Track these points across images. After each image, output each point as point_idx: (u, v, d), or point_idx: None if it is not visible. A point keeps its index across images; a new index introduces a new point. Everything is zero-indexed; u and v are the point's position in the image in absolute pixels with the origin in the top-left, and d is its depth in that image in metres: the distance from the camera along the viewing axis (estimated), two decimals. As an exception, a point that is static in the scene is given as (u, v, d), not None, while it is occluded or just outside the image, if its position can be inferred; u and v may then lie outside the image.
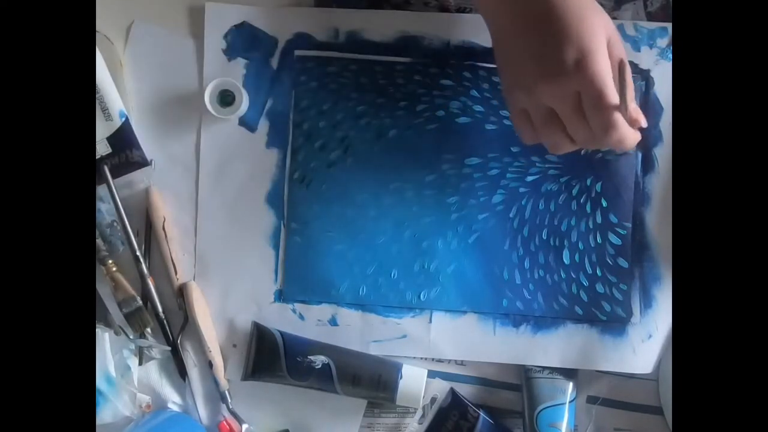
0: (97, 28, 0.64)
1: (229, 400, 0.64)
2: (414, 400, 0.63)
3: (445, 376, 0.65)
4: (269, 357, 0.63)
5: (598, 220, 0.64)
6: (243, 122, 0.65)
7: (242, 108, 0.64)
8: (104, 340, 0.63)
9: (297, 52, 0.65)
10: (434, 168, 0.64)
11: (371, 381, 0.63)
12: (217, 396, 0.65)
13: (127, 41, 0.65)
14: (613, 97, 0.50)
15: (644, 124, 0.52)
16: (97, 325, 0.63)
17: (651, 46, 0.64)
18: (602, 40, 0.51)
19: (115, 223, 0.64)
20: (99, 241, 0.63)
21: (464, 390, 0.65)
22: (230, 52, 0.65)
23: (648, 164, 0.64)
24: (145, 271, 0.64)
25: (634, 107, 0.51)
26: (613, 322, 0.64)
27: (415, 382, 0.63)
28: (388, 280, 0.64)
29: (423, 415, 0.65)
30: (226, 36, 0.65)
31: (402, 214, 0.64)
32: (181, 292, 0.64)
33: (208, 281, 0.65)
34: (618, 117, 0.50)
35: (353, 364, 0.63)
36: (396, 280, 0.64)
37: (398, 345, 0.64)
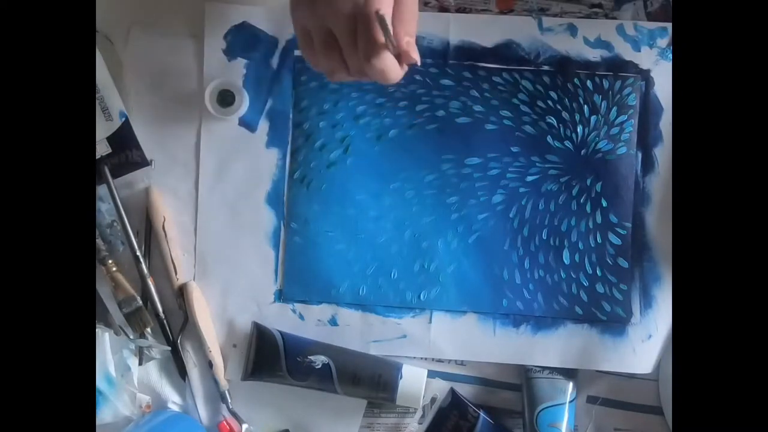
0: (97, 28, 0.64)
1: (229, 400, 0.64)
2: (414, 400, 0.63)
3: (445, 376, 0.65)
4: (269, 357, 0.63)
5: (598, 220, 0.64)
6: (243, 122, 0.65)
7: (242, 108, 0.64)
8: (104, 340, 0.63)
9: (297, 52, 0.65)
10: (434, 168, 0.64)
11: (371, 381, 0.63)
12: (217, 396, 0.65)
13: (127, 41, 0.65)
14: (385, 21, 0.49)
15: (417, 59, 0.52)
16: (97, 325, 0.63)
17: (651, 46, 0.64)
18: None
19: (115, 223, 0.64)
20: (99, 241, 0.63)
21: (464, 390, 0.65)
22: (230, 52, 0.65)
23: (648, 164, 0.64)
24: (145, 271, 0.64)
25: (407, 40, 0.51)
26: (613, 322, 0.64)
27: (415, 382, 0.63)
28: (388, 280, 0.64)
29: (423, 415, 0.65)
30: (226, 36, 0.65)
31: (402, 214, 0.64)
32: (181, 292, 0.64)
33: (208, 281, 0.65)
34: (382, 46, 0.50)
35: (353, 364, 0.63)
36: (396, 280, 0.64)
37: (398, 345, 0.64)
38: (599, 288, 0.64)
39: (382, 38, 0.49)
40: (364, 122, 0.65)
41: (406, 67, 0.52)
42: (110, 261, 0.63)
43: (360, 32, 0.50)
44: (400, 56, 0.51)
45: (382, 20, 0.48)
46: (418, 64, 0.52)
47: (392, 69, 0.51)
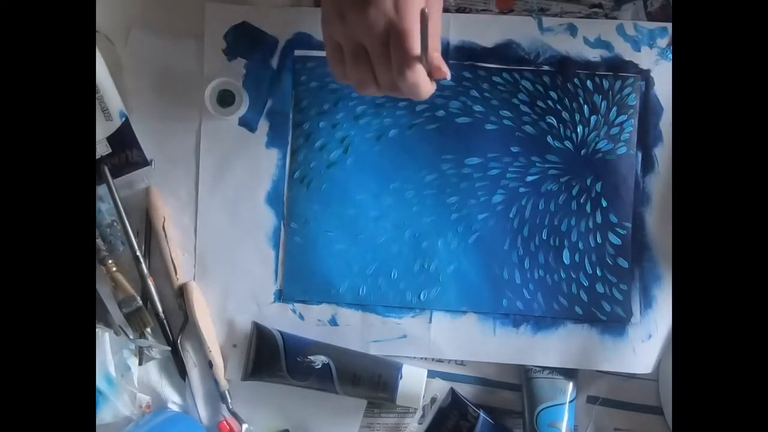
0: (97, 28, 0.64)
1: (229, 400, 0.64)
2: (414, 400, 0.63)
3: (445, 376, 0.65)
4: (269, 357, 0.63)
5: (598, 220, 0.64)
6: (243, 122, 0.65)
7: (242, 108, 0.64)
8: (104, 340, 0.63)
9: (297, 52, 0.65)
10: (434, 168, 0.64)
11: (371, 381, 0.63)
12: (217, 396, 0.65)
13: (127, 41, 0.65)
14: (416, 40, 0.50)
15: (447, 74, 0.53)
16: (97, 325, 0.63)
17: (651, 46, 0.64)
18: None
19: (115, 223, 0.64)
20: (99, 241, 0.64)
21: (464, 390, 0.65)
22: (230, 52, 0.65)
23: (648, 164, 0.64)
24: (145, 271, 0.64)
25: (437, 56, 0.52)
26: (613, 322, 0.64)
27: (415, 382, 0.63)
28: (388, 280, 0.64)
29: (423, 415, 0.65)
30: (226, 36, 0.65)
31: (402, 214, 0.64)
32: (181, 292, 0.64)
33: (208, 281, 0.65)
34: (416, 60, 0.50)
35: (353, 364, 0.63)
36: (396, 280, 0.64)
37: (398, 345, 0.64)
38: (599, 288, 0.64)
39: (416, 52, 0.50)
40: (364, 122, 0.65)
41: (435, 83, 0.53)
42: (110, 261, 0.63)
43: (393, 45, 0.50)
44: (430, 72, 0.52)
45: (425, 20, 0.48)
46: (449, 78, 0.53)
47: (425, 83, 0.52)
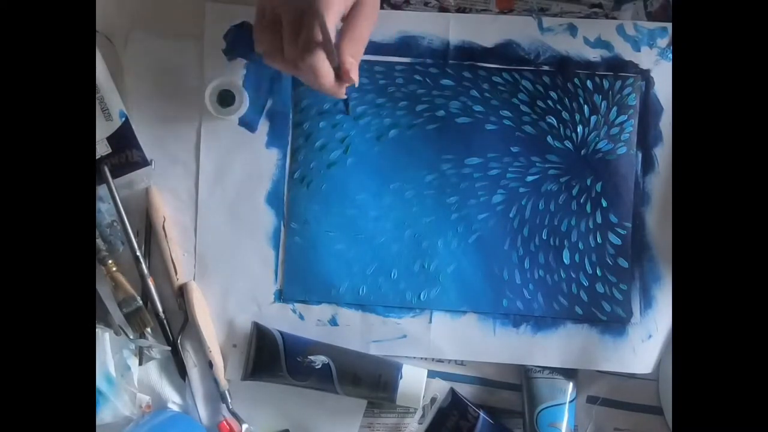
0: (97, 28, 0.64)
1: (229, 400, 0.64)
2: (414, 400, 0.63)
3: (445, 376, 0.65)
4: (269, 357, 0.63)
5: (598, 220, 0.64)
6: (243, 122, 0.65)
7: (242, 108, 0.64)
8: (104, 340, 0.63)
9: (297, 52, 0.65)
10: (434, 168, 0.64)
11: (371, 381, 0.63)
12: (217, 396, 0.65)
13: (127, 41, 0.65)
14: (323, 26, 0.51)
15: (355, 80, 0.54)
16: (97, 325, 0.63)
17: (651, 46, 0.64)
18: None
19: (115, 223, 0.64)
20: (99, 241, 0.63)
21: (464, 390, 0.65)
22: (230, 52, 0.65)
23: (648, 164, 0.64)
24: (145, 271, 0.64)
25: (349, 60, 0.54)
26: (613, 322, 0.64)
27: (415, 382, 0.63)
28: (388, 280, 0.64)
29: (423, 415, 0.65)
30: (226, 36, 0.65)
31: (402, 214, 0.64)
32: (181, 292, 0.64)
33: (208, 281, 0.65)
34: (318, 45, 0.52)
35: (353, 364, 0.63)
36: (396, 280, 0.64)
37: (398, 345, 0.64)
38: (599, 288, 0.64)
39: (318, 37, 0.51)
40: (364, 122, 0.65)
41: (344, 86, 0.55)
42: (110, 261, 0.63)
43: (304, 25, 0.52)
44: (339, 71, 0.54)
45: (323, 24, 0.50)
46: (356, 85, 0.56)
47: (325, 74, 0.53)
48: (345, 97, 0.57)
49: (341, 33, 0.54)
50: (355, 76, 0.54)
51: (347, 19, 0.55)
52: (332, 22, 0.52)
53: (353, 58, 0.54)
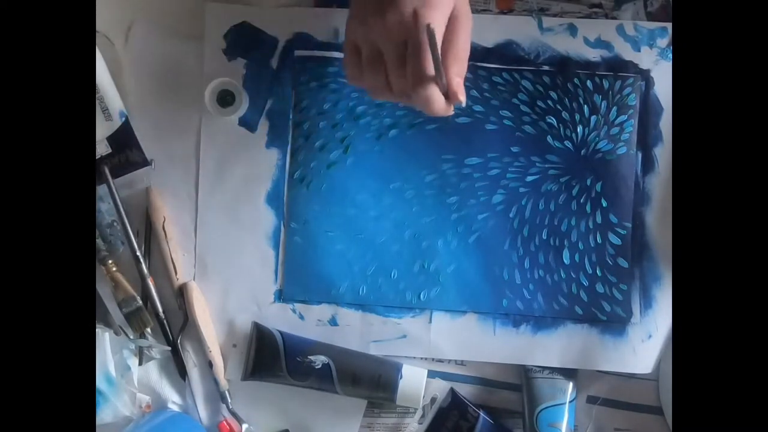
0: (97, 28, 0.64)
1: (229, 400, 0.64)
2: (414, 400, 0.63)
3: (445, 376, 0.65)
4: (269, 357, 0.63)
5: (598, 220, 0.64)
6: (243, 122, 0.65)
7: (242, 108, 0.64)
8: (104, 340, 0.63)
9: (297, 52, 0.65)
10: (434, 168, 0.64)
11: (371, 381, 0.63)
12: (217, 396, 0.65)
13: (127, 41, 0.65)
14: (432, 52, 0.49)
15: (463, 101, 0.52)
16: (97, 325, 0.63)
17: (651, 46, 0.64)
18: (446, 2, 0.51)
19: (115, 223, 0.64)
20: (99, 241, 0.64)
21: (464, 390, 0.65)
22: (230, 52, 0.65)
23: (648, 164, 0.64)
24: (145, 271, 0.64)
25: (456, 81, 0.51)
26: (613, 322, 0.64)
27: (415, 382, 0.63)
28: (388, 280, 0.64)
29: (423, 415, 0.65)
30: (226, 36, 0.65)
31: (402, 214, 0.64)
32: (181, 292, 0.64)
33: (208, 281, 0.65)
34: (429, 76, 0.50)
35: (353, 364, 0.63)
36: (396, 280, 0.64)
37: (398, 345, 0.64)
38: (599, 288, 0.64)
39: (430, 70, 0.49)
40: (364, 122, 0.65)
41: (452, 107, 0.52)
42: (110, 261, 0.63)
43: (409, 56, 0.50)
44: (446, 93, 0.51)
45: (432, 35, 0.48)
46: (463, 105, 0.52)
47: (437, 101, 0.51)
48: (452, 113, 0.53)
49: (443, 52, 0.51)
50: (462, 96, 0.52)
51: (446, 36, 0.52)
52: (439, 49, 0.50)
53: (459, 76, 0.52)
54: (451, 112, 0.53)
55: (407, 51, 0.50)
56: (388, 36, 0.51)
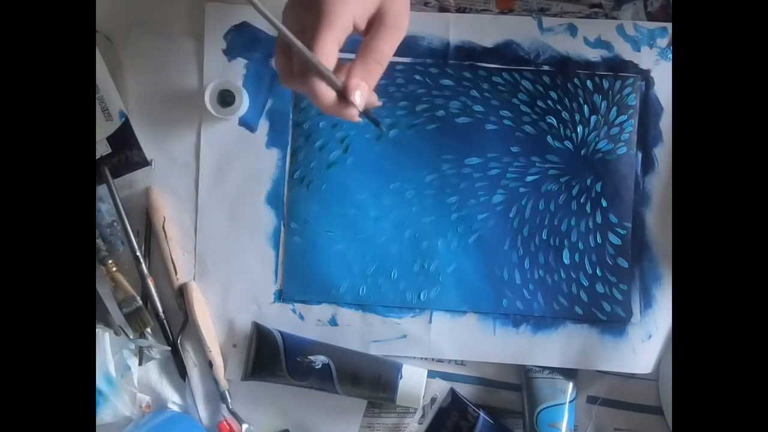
0: (97, 28, 0.64)
1: (229, 400, 0.64)
2: (414, 400, 0.63)
3: (445, 376, 0.65)
4: (269, 357, 0.63)
5: (598, 220, 0.64)
6: (243, 122, 0.65)
7: (242, 108, 0.64)
8: (104, 340, 0.63)
9: (297, 52, 0.65)
10: (434, 168, 0.64)
11: (371, 381, 0.63)
12: (217, 396, 0.65)
13: (127, 41, 0.65)
14: (316, 46, 0.49)
15: (356, 102, 0.50)
16: (97, 325, 0.63)
17: (651, 46, 0.64)
18: (349, 12, 0.50)
19: (115, 223, 0.64)
20: (99, 241, 0.64)
21: (464, 390, 0.65)
22: (230, 52, 0.65)
23: (648, 164, 0.64)
24: (145, 271, 0.64)
25: (355, 82, 0.50)
26: (613, 322, 0.64)
27: (415, 382, 0.63)
28: (388, 280, 0.64)
29: (423, 415, 0.65)
30: (226, 36, 0.65)
31: (402, 214, 0.64)
32: (181, 292, 0.64)
33: (208, 281, 0.65)
34: (310, 68, 0.49)
35: (353, 364, 0.63)
36: (396, 280, 0.64)
37: (398, 345, 0.64)
38: (599, 288, 0.64)
39: (312, 59, 0.49)
40: (364, 122, 0.64)
41: (351, 108, 0.51)
42: (110, 261, 0.63)
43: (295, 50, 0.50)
44: (339, 89, 0.51)
45: (318, 45, 0.49)
46: (360, 109, 0.51)
47: (322, 95, 0.50)
48: (358, 120, 0.52)
49: (358, 51, 0.51)
50: (358, 98, 0.50)
51: (366, 36, 0.51)
52: (331, 41, 0.49)
53: (365, 81, 0.50)
54: (351, 116, 0.51)
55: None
56: (297, 19, 0.51)
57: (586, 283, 0.64)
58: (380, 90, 0.64)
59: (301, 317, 0.65)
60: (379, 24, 0.51)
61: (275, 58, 0.55)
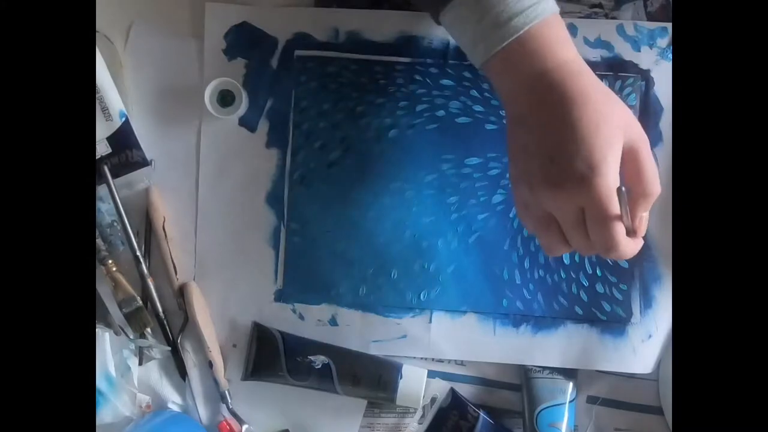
0: (97, 28, 0.64)
1: (229, 400, 0.64)
2: (414, 400, 0.63)
3: (445, 376, 0.65)
4: (269, 357, 0.63)
5: (598, 220, 0.64)
6: (243, 122, 0.65)
7: (242, 108, 0.64)
8: (104, 340, 0.63)
9: (297, 52, 0.65)
10: (434, 168, 0.64)
11: (371, 381, 0.63)
12: (217, 396, 0.65)
13: (127, 41, 0.65)
14: (619, 224, 0.48)
15: (641, 234, 0.50)
16: (97, 325, 0.63)
17: (651, 46, 0.64)
18: (615, 151, 0.48)
19: (115, 223, 0.64)
20: (99, 241, 0.63)
21: (464, 390, 0.65)
22: (230, 52, 0.65)
23: (648, 164, 0.64)
24: (145, 271, 0.64)
25: (642, 217, 0.50)
26: (613, 322, 0.64)
27: (415, 382, 0.63)
28: (388, 280, 0.64)
29: (423, 415, 0.65)
30: (226, 36, 0.65)
31: (402, 214, 0.64)
32: (181, 292, 0.64)
33: (208, 281, 0.65)
34: (620, 234, 0.48)
35: (353, 364, 0.63)
36: (396, 280, 0.64)
37: (398, 345, 0.64)
38: (599, 288, 0.64)
39: (619, 237, 0.48)
40: (364, 122, 0.65)
41: (640, 241, 0.50)
42: (110, 261, 0.63)
43: (592, 224, 0.48)
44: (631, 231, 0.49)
45: (623, 197, 0.47)
46: (643, 239, 0.50)
47: (627, 252, 0.49)
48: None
49: (628, 190, 0.48)
50: (643, 232, 0.49)
51: (629, 171, 0.49)
52: (617, 210, 0.47)
53: (645, 211, 0.49)
54: (636, 249, 0.50)
55: (587, 217, 0.48)
56: (561, 211, 0.49)
57: (586, 283, 0.64)
58: (380, 90, 0.64)
59: (301, 317, 0.65)
60: (632, 150, 0.49)
61: (538, 233, 0.52)
